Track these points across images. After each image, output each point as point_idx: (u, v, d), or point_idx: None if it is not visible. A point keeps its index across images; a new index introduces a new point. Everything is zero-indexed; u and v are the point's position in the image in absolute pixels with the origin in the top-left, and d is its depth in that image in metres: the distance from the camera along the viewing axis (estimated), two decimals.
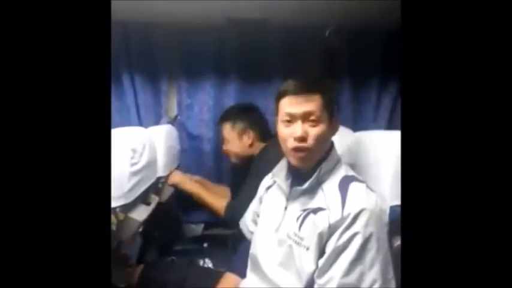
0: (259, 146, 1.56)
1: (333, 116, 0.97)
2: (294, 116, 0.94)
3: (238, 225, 1.31)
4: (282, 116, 0.97)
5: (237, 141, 1.57)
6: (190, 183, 1.58)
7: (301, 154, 0.94)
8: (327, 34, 1.71)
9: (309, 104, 0.93)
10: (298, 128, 0.93)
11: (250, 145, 1.56)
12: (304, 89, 0.94)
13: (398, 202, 0.95)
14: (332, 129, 0.99)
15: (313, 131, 0.93)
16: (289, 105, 0.95)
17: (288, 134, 0.95)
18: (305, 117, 0.93)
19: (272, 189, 1.11)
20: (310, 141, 0.92)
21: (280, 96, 0.98)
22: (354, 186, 0.91)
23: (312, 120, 0.93)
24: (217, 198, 1.51)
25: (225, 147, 1.62)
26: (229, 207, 1.45)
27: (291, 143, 0.94)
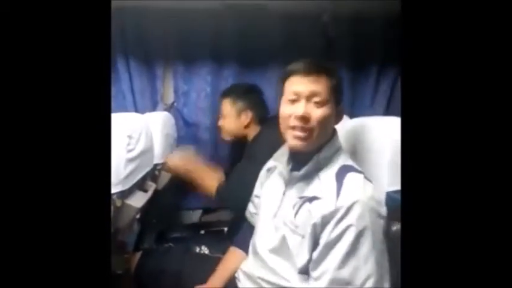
0: (254, 128, 1.55)
1: (338, 102, 0.97)
2: (299, 94, 0.93)
3: (229, 206, 1.32)
4: (287, 94, 0.96)
5: (234, 119, 1.56)
6: (184, 168, 1.55)
7: (300, 134, 0.92)
8: (324, 19, 1.69)
9: (316, 85, 0.92)
10: (301, 107, 0.92)
11: (247, 126, 1.55)
12: (313, 69, 0.93)
13: (395, 188, 0.94)
14: (336, 117, 0.98)
15: (317, 112, 0.92)
16: (296, 83, 0.94)
17: (290, 112, 0.93)
18: (311, 96, 0.92)
19: (273, 173, 1.11)
20: (311, 122, 0.91)
21: (287, 75, 0.97)
22: (350, 177, 0.89)
23: (317, 102, 0.92)
24: (210, 179, 1.49)
25: (221, 122, 1.61)
26: (220, 188, 1.44)
27: (292, 121, 0.93)
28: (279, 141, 1.06)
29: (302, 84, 0.93)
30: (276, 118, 1.00)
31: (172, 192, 1.75)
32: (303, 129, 0.92)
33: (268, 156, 1.18)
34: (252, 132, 1.55)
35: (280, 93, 1.00)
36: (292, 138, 0.94)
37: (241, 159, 1.48)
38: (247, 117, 1.54)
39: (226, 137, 1.61)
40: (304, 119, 0.91)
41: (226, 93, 1.60)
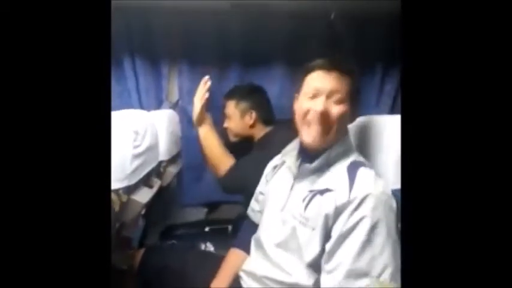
0: (260, 128, 1.55)
1: (355, 104, 0.98)
2: (320, 90, 0.93)
3: (237, 189, 1.37)
4: (307, 90, 0.96)
5: (239, 120, 1.56)
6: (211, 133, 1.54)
7: (317, 130, 0.93)
8: (332, 17, 1.68)
9: (338, 83, 0.93)
10: (320, 103, 0.92)
11: (251, 126, 1.55)
12: (336, 67, 0.94)
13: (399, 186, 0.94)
14: (351, 117, 0.99)
15: (335, 110, 0.93)
16: (318, 79, 0.95)
17: (309, 107, 0.94)
18: (331, 94, 0.93)
19: (280, 169, 1.11)
20: (329, 119, 0.92)
21: (309, 71, 0.98)
22: (362, 171, 0.90)
23: (336, 100, 0.93)
24: (225, 161, 1.48)
25: (226, 124, 1.62)
26: (231, 170, 1.44)
27: (309, 116, 0.93)
28: (289, 142, 1.06)
29: (324, 81, 0.94)
30: (285, 121, 1.01)
31: (177, 189, 1.76)
32: (320, 125, 0.92)
33: (278, 151, 1.17)
34: (258, 132, 1.55)
35: (298, 88, 1.01)
36: (308, 135, 0.95)
37: (251, 153, 1.48)
38: (251, 117, 1.54)
39: (233, 138, 1.61)
40: (323, 115, 0.92)
41: (229, 95, 1.61)
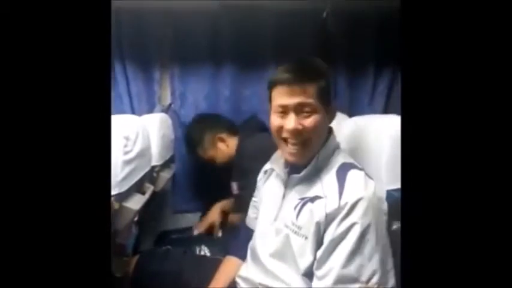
0: (233, 142, 1.60)
1: (329, 103, 0.93)
2: (287, 107, 0.89)
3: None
4: (275, 107, 0.92)
5: (216, 151, 1.62)
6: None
7: (295, 149, 0.91)
8: (324, 15, 1.68)
9: (303, 95, 0.88)
10: (291, 121, 0.88)
11: (227, 145, 1.61)
12: (298, 79, 0.88)
13: (394, 186, 0.94)
14: (329, 117, 0.95)
15: (308, 122, 0.89)
16: (282, 96, 0.90)
17: (281, 124, 0.91)
18: (299, 108, 0.89)
19: (271, 176, 1.10)
20: (305, 134, 0.89)
21: (272, 85, 0.93)
22: (352, 174, 0.88)
23: (307, 112, 0.89)
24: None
25: (206, 156, 1.65)
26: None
27: (284, 134, 0.91)
28: (261, 140, 1.06)
29: (288, 97, 0.89)
30: (248, 120, 1.00)
31: (170, 194, 1.74)
32: (297, 142, 0.90)
33: (257, 157, 1.19)
34: (233, 144, 1.59)
35: (269, 100, 0.97)
36: (287, 153, 0.93)
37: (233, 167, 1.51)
38: (221, 140, 1.61)
39: (220, 163, 1.64)
40: (296, 131, 0.89)
41: (189, 142, 1.68)
